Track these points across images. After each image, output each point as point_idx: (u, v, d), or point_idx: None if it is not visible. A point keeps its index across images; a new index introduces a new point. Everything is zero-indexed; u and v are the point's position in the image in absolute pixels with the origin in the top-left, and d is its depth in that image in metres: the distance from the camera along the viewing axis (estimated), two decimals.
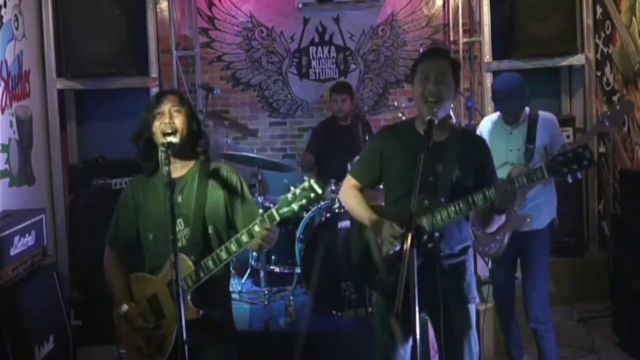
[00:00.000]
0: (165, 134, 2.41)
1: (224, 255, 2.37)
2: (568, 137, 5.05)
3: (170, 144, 2.38)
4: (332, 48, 5.82)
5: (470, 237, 2.74)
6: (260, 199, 4.64)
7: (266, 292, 4.34)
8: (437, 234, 2.46)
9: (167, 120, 2.44)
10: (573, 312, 4.70)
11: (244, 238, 2.35)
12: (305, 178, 2.29)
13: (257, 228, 2.32)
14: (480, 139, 2.84)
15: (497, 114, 3.66)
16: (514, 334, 3.77)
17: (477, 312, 2.87)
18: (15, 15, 4.36)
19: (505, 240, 3.48)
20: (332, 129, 5.27)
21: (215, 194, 2.52)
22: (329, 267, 4.12)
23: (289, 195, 2.27)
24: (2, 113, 4.08)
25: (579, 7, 5.17)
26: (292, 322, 4.10)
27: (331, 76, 5.82)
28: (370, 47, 5.84)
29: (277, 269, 4.64)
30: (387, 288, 2.46)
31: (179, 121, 2.46)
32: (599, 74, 5.22)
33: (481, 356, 2.93)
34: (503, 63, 5.19)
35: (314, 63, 5.82)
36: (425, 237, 2.43)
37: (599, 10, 5.15)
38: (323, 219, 4.31)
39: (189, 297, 2.39)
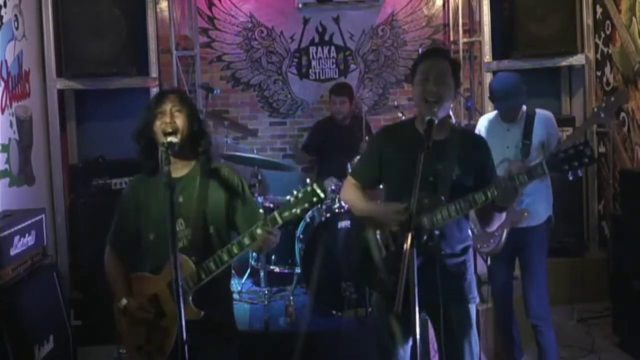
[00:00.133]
0: (165, 134, 2.41)
1: (225, 257, 2.37)
2: (568, 136, 5.04)
3: (170, 144, 2.38)
4: (332, 48, 5.82)
5: (470, 236, 2.74)
6: (260, 199, 4.64)
7: (266, 292, 4.34)
8: (437, 233, 2.46)
9: (167, 120, 2.44)
10: (573, 312, 4.70)
11: (246, 241, 2.35)
12: (308, 181, 2.30)
13: (259, 231, 2.32)
14: (480, 139, 2.84)
15: (495, 112, 3.69)
16: (513, 333, 3.77)
17: (477, 312, 2.87)
18: (15, 15, 4.36)
19: (504, 236, 3.50)
20: (331, 128, 5.27)
21: (217, 195, 2.52)
22: (329, 267, 4.12)
23: (292, 199, 2.28)
24: (2, 113, 4.08)
25: (579, 7, 5.17)
26: (292, 322, 4.10)
27: (331, 76, 5.82)
28: (370, 47, 5.83)
29: (277, 269, 4.64)
30: (388, 288, 2.46)
31: (180, 121, 2.45)
32: (599, 74, 5.23)
33: (481, 356, 2.92)
34: (503, 63, 5.19)
35: (314, 63, 5.82)
36: (425, 236, 2.43)
37: (599, 10, 5.15)
38: (323, 219, 4.31)
39: (190, 298, 2.39)
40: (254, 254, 4.73)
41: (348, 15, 5.78)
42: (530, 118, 3.52)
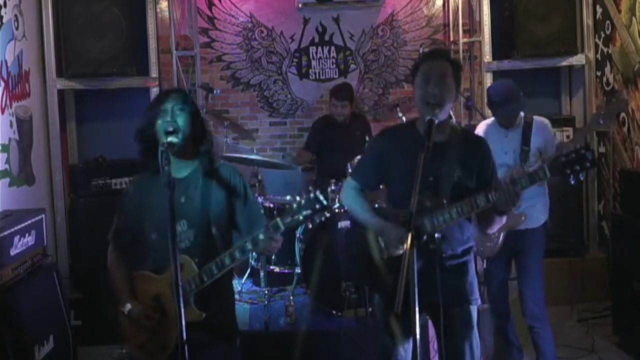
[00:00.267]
0: (167, 133, 2.41)
1: (227, 261, 2.37)
2: (568, 137, 5.05)
3: (169, 144, 2.37)
4: (332, 48, 5.81)
5: (473, 237, 2.74)
6: (260, 199, 4.64)
7: (266, 292, 4.34)
8: (438, 235, 2.45)
9: (169, 118, 2.44)
10: (573, 312, 4.70)
11: (248, 245, 2.35)
12: (311, 189, 2.30)
13: (261, 236, 2.33)
14: (481, 139, 2.83)
15: (493, 118, 3.73)
16: (509, 335, 3.78)
17: (477, 312, 2.87)
18: (15, 15, 4.37)
19: (500, 239, 3.51)
20: (331, 127, 5.25)
21: (219, 195, 2.51)
22: (329, 267, 4.12)
23: (294, 205, 2.28)
24: (2, 113, 4.08)
25: (579, 7, 5.18)
26: (292, 322, 4.10)
27: (331, 76, 5.82)
28: (370, 47, 5.83)
29: (277, 269, 4.63)
30: (389, 289, 2.46)
31: (181, 120, 2.44)
32: (599, 74, 5.23)
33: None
34: (503, 63, 5.20)
35: (314, 63, 5.82)
36: (425, 237, 2.43)
37: (599, 10, 5.15)
38: (323, 218, 4.30)
39: (192, 299, 2.39)
40: (254, 254, 4.73)
41: (348, 15, 5.78)
42: (528, 124, 3.56)
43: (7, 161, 4.11)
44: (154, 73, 5.02)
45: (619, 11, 4.84)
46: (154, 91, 4.99)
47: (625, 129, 4.81)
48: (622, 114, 4.78)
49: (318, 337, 3.90)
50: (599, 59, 5.21)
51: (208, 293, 2.42)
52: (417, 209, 2.19)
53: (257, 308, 4.43)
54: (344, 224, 4.22)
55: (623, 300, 4.21)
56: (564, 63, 5.24)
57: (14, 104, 4.28)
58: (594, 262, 5.04)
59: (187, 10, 5.59)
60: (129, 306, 2.50)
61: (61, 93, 4.99)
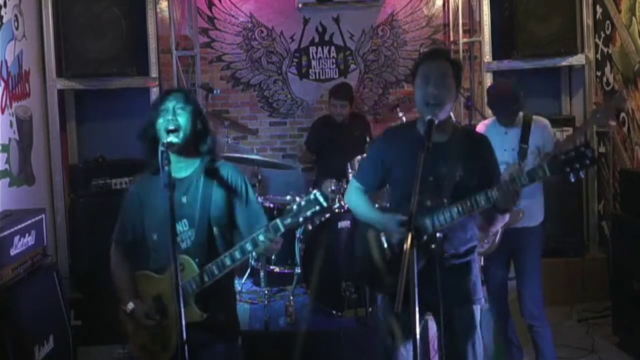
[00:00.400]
0: (168, 131, 2.41)
1: (228, 261, 2.38)
2: (571, 139, 5.05)
3: (169, 143, 2.37)
4: (332, 48, 5.82)
5: (476, 237, 2.73)
6: (260, 199, 4.64)
7: (266, 292, 4.34)
8: (440, 235, 2.45)
9: (170, 117, 2.44)
10: (573, 312, 4.70)
11: (248, 246, 2.36)
12: (311, 189, 2.30)
13: (261, 237, 2.33)
14: (483, 138, 2.82)
15: (492, 118, 3.75)
16: (509, 334, 3.78)
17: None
18: (15, 15, 4.37)
19: (498, 237, 3.51)
20: (331, 127, 5.26)
21: (220, 195, 2.51)
22: (329, 267, 4.12)
23: (294, 207, 2.28)
24: (2, 113, 4.08)
25: (579, 7, 5.17)
26: (292, 322, 4.10)
27: (331, 76, 5.82)
28: (370, 47, 5.83)
29: (277, 269, 4.63)
30: (392, 289, 2.46)
31: (182, 119, 2.45)
32: (599, 74, 5.23)
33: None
34: (503, 63, 5.20)
35: (314, 63, 5.82)
36: (425, 237, 2.43)
37: (599, 10, 5.15)
38: (323, 218, 4.31)
39: (192, 300, 2.40)
40: (254, 254, 4.72)
41: (348, 15, 5.78)
42: (527, 123, 3.58)
43: (7, 161, 4.11)
44: (154, 73, 5.01)
45: (619, 11, 4.84)
46: (154, 91, 4.98)
47: (625, 129, 4.81)
48: (622, 114, 4.78)
49: (318, 337, 3.90)
50: (599, 59, 5.21)
51: (209, 293, 2.42)
52: (418, 209, 2.19)
53: (257, 308, 4.43)
54: (344, 224, 4.22)
55: (623, 300, 4.21)
56: (564, 63, 5.24)
57: (14, 104, 4.28)
58: (594, 262, 5.04)
59: (187, 10, 5.59)
60: (131, 305, 2.50)
61: (61, 93, 4.99)
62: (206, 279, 2.38)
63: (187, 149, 2.48)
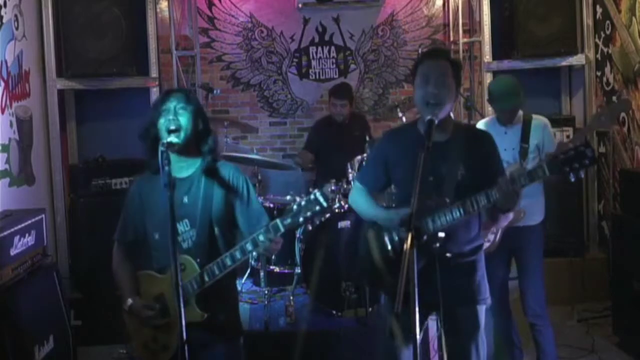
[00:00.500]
0: (169, 131, 2.41)
1: (228, 261, 2.38)
2: (568, 137, 5.05)
3: (169, 143, 2.37)
4: (332, 48, 5.82)
5: (482, 236, 2.71)
6: (260, 199, 4.64)
7: (266, 292, 4.34)
8: (442, 235, 2.45)
9: (171, 117, 2.44)
10: (573, 312, 4.70)
11: (249, 246, 2.36)
12: (311, 190, 2.31)
13: (261, 237, 2.33)
14: (486, 135, 2.79)
15: (491, 116, 3.75)
16: (511, 334, 3.78)
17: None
18: (15, 15, 4.37)
19: (498, 236, 3.51)
20: (331, 127, 5.26)
21: (221, 195, 2.51)
22: (329, 267, 4.12)
23: (294, 207, 2.28)
24: (2, 113, 4.08)
25: (579, 7, 5.17)
26: (292, 322, 4.10)
27: (331, 76, 5.82)
28: (370, 47, 5.83)
29: (277, 269, 4.63)
30: (394, 289, 2.46)
31: (184, 119, 2.45)
32: (599, 74, 5.22)
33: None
34: (503, 63, 5.20)
35: (314, 63, 5.82)
36: (425, 237, 2.42)
37: (599, 10, 5.15)
38: (323, 219, 4.31)
39: (193, 300, 2.40)
40: (254, 254, 4.73)
41: (348, 15, 5.78)
42: (527, 122, 3.58)
43: (7, 161, 4.11)
44: (154, 73, 5.01)
45: (619, 11, 4.84)
46: (154, 91, 4.99)
47: (625, 129, 4.81)
48: (622, 114, 4.78)
49: (318, 337, 3.90)
50: (599, 59, 5.20)
51: (210, 293, 2.42)
52: (420, 209, 2.19)
53: (257, 308, 4.43)
54: (344, 224, 4.22)
55: (623, 300, 4.21)
56: (564, 63, 5.24)
57: (14, 104, 4.28)
58: (594, 262, 5.04)
59: (187, 10, 5.60)
60: (129, 301, 2.51)
61: (61, 93, 4.99)
62: (207, 278, 2.39)
63: (189, 148, 2.48)
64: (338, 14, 5.78)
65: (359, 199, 2.80)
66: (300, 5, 5.62)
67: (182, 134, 2.43)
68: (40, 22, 4.78)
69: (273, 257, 4.62)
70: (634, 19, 4.63)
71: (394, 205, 2.84)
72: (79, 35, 4.70)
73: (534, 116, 3.63)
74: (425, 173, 2.22)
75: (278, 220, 2.31)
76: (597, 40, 5.22)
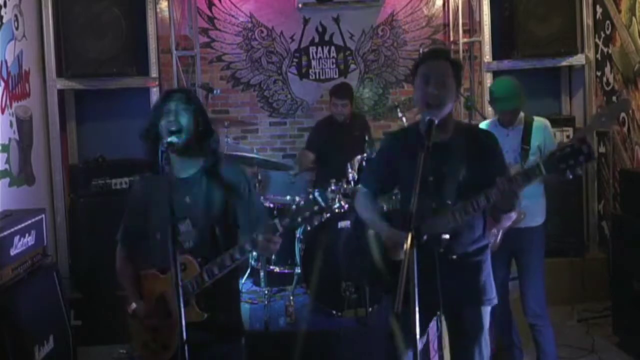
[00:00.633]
0: (170, 132, 2.41)
1: (227, 261, 2.38)
2: (568, 137, 5.06)
3: (169, 143, 2.38)
4: (332, 48, 5.81)
5: (486, 236, 2.71)
6: (260, 199, 4.64)
7: (266, 292, 4.34)
8: (445, 236, 2.44)
9: (172, 118, 2.44)
10: (573, 312, 4.70)
11: (247, 246, 2.36)
12: (310, 190, 2.31)
13: (259, 237, 2.33)
14: (488, 134, 2.79)
15: (492, 118, 3.75)
16: (511, 335, 3.78)
17: None
18: (15, 15, 4.37)
19: (499, 237, 3.51)
20: (332, 127, 5.26)
21: (223, 195, 2.51)
22: (329, 267, 4.12)
23: (293, 207, 2.28)
24: (2, 113, 4.09)
25: (579, 7, 5.17)
26: (292, 322, 4.11)
27: (331, 76, 5.82)
28: (370, 47, 5.83)
29: (277, 269, 4.64)
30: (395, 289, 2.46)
31: (185, 120, 2.45)
32: (599, 74, 5.22)
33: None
34: (503, 63, 5.20)
35: (314, 63, 5.82)
36: (425, 237, 2.42)
37: (599, 10, 5.15)
38: (323, 219, 4.30)
39: (193, 300, 2.40)
40: (254, 254, 4.73)
41: (348, 15, 5.78)
42: (528, 124, 3.59)
43: (7, 161, 4.11)
44: (154, 73, 5.02)
45: (619, 11, 4.84)
46: (154, 91, 4.99)
47: (625, 129, 4.81)
48: (622, 114, 4.78)
49: (318, 337, 3.90)
50: (599, 59, 5.20)
51: (211, 293, 2.42)
52: (422, 210, 2.18)
53: (257, 308, 4.43)
54: (344, 224, 4.22)
55: (623, 300, 4.21)
56: (564, 63, 5.24)
57: (14, 104, 4.28)
58: (594, 262, 5.04)
59: (187, 10, 5.59)
60: (134, 305, 2.54)
61: (61, 93, 4.99)
62: (206, 278, 2.39)
63: (190, 149, 2.48)
64: (338, 14, 5.78)
65: (362, 206, 2.80)
66: (300, 5, 5.62)
67: (183, 135, 2.43)
68: (40, 22, 4.78)
69: (273, 257, 4.62)
70: (634, 19, 4.63)
71: (398, 206, 2.84)
72: (79, 35, 4.70)
73: (535, 118, 3.63)
74: (425, 173, 2.22)
75: (276, 220, 2.32)
76: (597, 40, 5.22)
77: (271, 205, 4.53)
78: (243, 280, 4.84)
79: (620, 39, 4.84)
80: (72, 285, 4.69)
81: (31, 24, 4.65)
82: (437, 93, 2.48)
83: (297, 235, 4.45)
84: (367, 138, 4.76)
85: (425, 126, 2.40)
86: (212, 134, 2.54)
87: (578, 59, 5.19)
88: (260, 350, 3.82)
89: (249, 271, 4.88)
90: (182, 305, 2.16)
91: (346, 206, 4.30)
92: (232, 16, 5.74)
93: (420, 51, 5.33)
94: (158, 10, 5.20)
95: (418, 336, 2.06)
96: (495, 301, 2.67)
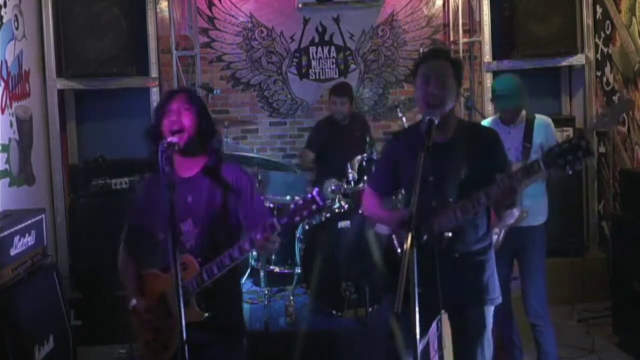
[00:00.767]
0: (172, 132, 2.41)
1: (227, 260, 2.38)
2: (568, 136, 5.04)
3: (170, 144, 2.38)
4: (332, 48, 5.81)
5: (491, 236, 2.71)
6: (262, 199, 4.64)
7: (266, 292, 4.34)
8: (447, 235, 2.44)
9: (174, 118, 2.44)
10: (573, 312, 4.70)
11: (246, 245, 2.36)
12: (308, 189, 2.31)
13: (258, 237, 2.33)
14: (490, 131, 2.78)
15: (494, 116, 3.75)
16: (512, 334, 3.78)
17: None
18: (15, 15, 4.37)
19: (501, 235, 3.51)
20: (332, 127, 5.25)
21: (225, 194, 2.51)
22: (329, 267, 4.12)
23: (292, 206, 2.28)
24: (2, 113, 4.09)
25: (579, 7, 5.18)
26: (292, 322, 4.10)
27: (331, 76, 5.81)
28: (370, 47, 5.83)
29: (277, 269, 4.64)
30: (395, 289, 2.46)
31: (187, 119, 2.45)
32: (599, 74, 5.23)
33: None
34: (503, 63, 5.20)
35: (314, 63, 5.82)
36: (425, 236, 2.42)
37: (599, 10, 5.15)
38: (323, 218, 4.31)
39: (193, 299, 2.40)
40: (254, 253, 4.73)
41: (348, 15, 5.78)
42: (530, 122, 3.58)
43: (7, 161, 4.11)
44: (154, 73, 5.02)
45: (619, 11, 4.84)
46: (154, 91, 4.99)
47: (625, 129, 4.81)
48: (622, 114, 4.78)
49: (318, 337, 3.90)
50: (599, 59, 5.21)
51: (211, 293, 2.42)
52: (422, 209, 2.18)
53: (257, 308, 4.43)
54: (344, 224, 4.22)
55: (623, 300, 4.21)
56: (564, 63, 5.24)
57: (14, 104, 4.28)
58: (594, 262, 5.04)
59: (187, 10, 5.59)
60: (133, 301, 2.54)
61: (61, 93, 4.99)
62: (206, 278, 2.39)
63: (193, 148, 2.48)
64: (338, 14, 5.78)
65: (368, 204, 2.81)
66: (300, 5, 5.62)
67: (184, 135, 2.43)
68: (40, 22, 4.78)
69: (273, 257, 4.62)
70: (634, 19, 4.63)
71: (399, 206, 2.85)
72: (79, 35, 4.70)
73: (537, 116, 3.62)
74: (425, 173, 2.22)
75: (274, 220, 2.31)
76: (597, 40, 5.22)
77: (271, 205, 4.53)
78: (243, 280, 4.84)
79: (620, 39, 4.84)
80: (72, 285, 4.69)
81: (31, 24, 4.65)
82: (438, 93, 2.49)
83: (297, 235, 4.45)
84: (367, 138, 4.76)
85: (426, 126, 2.40)
86: (215, 134, 2.54)
87: (578, 59, 5.20)
88: (260, 350, 3.82)
89: (249, 271, 4.88)
90: (182, 305, 2.16)
91: (346, 206, 4.31)
92: (232, 16, 5.74)
93: (420, 51, 5.32)
94: (158, 10, 5.20)
95: (419, 336, 2.06)
96: (499, 301, 2.68)
